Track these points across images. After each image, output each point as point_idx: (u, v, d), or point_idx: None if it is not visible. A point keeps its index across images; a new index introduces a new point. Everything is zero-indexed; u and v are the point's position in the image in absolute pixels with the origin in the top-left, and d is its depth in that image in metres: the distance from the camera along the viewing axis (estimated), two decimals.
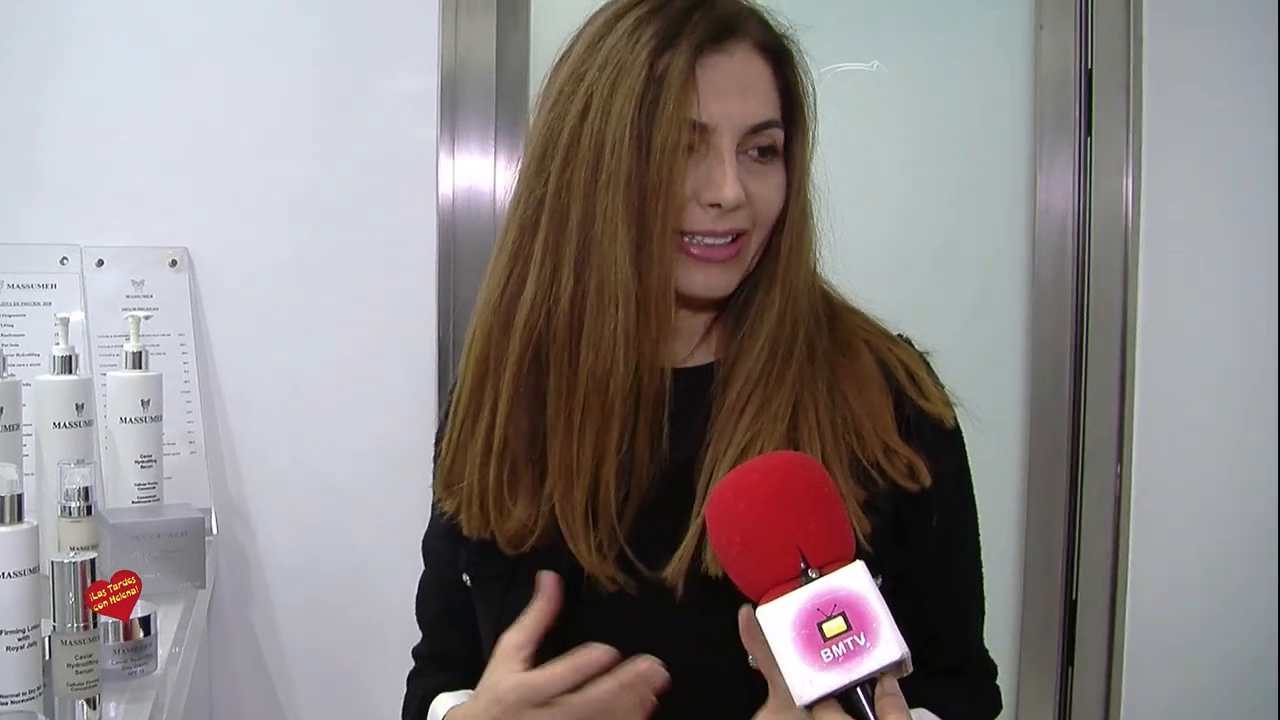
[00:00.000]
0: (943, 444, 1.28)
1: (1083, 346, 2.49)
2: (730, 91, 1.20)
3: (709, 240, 1.22)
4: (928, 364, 1.33)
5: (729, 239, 1.23)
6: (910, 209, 2.55)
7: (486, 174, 2.35)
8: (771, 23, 1.27)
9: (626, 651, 1.15)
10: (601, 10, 1.26)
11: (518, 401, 1.25)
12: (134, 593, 1.39)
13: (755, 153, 1.23)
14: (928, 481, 1.23)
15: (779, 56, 1.26)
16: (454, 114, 2.32)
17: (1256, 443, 2.41)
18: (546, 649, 1.19)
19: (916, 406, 1.27)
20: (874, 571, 0.95)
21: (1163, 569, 2.42)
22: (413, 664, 1.49)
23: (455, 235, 2.32)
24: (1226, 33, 2.38)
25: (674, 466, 1.24)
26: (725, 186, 1.19)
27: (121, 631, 1.46)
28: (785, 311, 1.26)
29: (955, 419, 1.30)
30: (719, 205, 1.20)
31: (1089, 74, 2.45)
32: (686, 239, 1.21)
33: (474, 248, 2.32)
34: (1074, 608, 2.50)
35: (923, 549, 1.27)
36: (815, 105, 1.28)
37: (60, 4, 2.15)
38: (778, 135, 1.24)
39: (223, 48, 2.20)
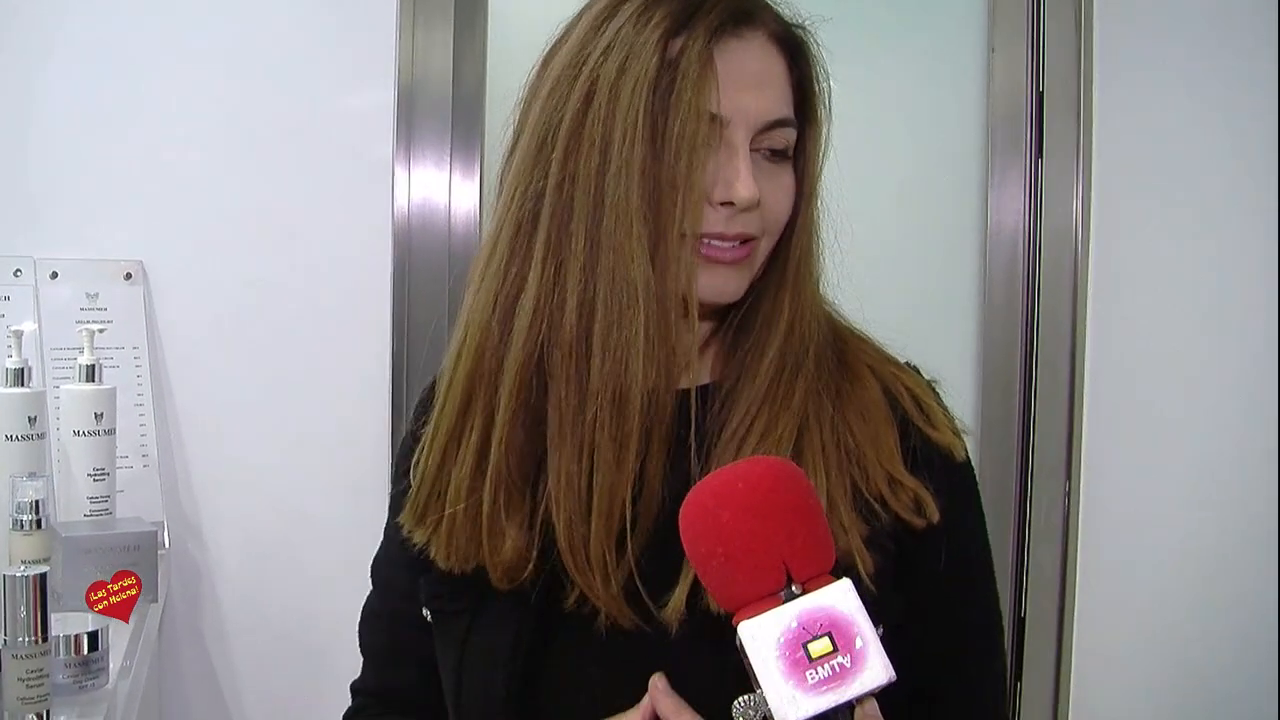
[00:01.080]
0: (953, 478, 1.18)
1: (1033, 365, 2.51)
2: (747, 83, 1.10)
3: (717, 242, 1.11)
4: (936, 393, 1.24)
5: (737, 242, 1.13)
6: (862, 228, 2.55)
7: (442, 188, 2.35)
8: (788, 13, 1.18)
9: (615, 691, 1.10)
10: None
11: (516, 418, 1.13)
12: (134, 593, 1.38)
13: (767, 152, 1.14)
14: (935, 517, 1.13)
15: (795, 49, 1.16)
16: (410, 128, 2.32)
17: (1206, 461, 2.44)
18: (525, 688, 1.14)
19: (924, 436, 1.17)
20: (875, 620, 0.91)
21: (1110, 586, 2.45)
22: (351, 700, 1.37)
23: (410, 249, 2.32)
24: (1176, 56, 2.42)
25: (671, 494, 1.11)
26: (740, 184, 1.09)
27: (73, 645, 1.45)
28: (794, 325, 1.17)
29: (966, 452, 1.21)
30: (732, 204, 1.10)
31: (1040, 96, 2.48)
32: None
33: (429, 262, 2.33)
34: (1023, 624, 2.52)
35: (928, 594, 1.16)
36: (830, 103, 1.19)
37: (14, 20, 2.14)
38: (790, 135, 1.15)
39: (179, 63, 2.19)
